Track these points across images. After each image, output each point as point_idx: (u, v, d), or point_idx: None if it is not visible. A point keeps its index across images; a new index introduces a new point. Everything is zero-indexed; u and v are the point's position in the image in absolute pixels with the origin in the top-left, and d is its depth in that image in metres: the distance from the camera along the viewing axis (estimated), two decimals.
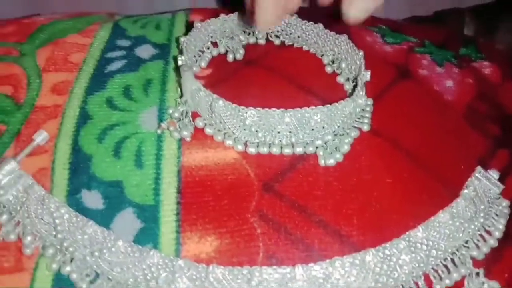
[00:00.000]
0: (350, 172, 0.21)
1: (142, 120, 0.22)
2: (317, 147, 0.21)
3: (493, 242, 0.20)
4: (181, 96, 0.23)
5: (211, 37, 0.26)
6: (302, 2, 0.23)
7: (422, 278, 0.18)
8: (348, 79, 0.25)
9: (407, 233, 0.19)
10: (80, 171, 0.20)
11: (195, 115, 0.22)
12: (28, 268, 0.18)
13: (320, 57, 0.26)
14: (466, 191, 0.21)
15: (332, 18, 0.23)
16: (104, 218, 0.19)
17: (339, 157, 0.21)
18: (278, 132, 0.21)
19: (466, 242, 0.19)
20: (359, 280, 0.17)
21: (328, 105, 0.21)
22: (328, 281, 0.17)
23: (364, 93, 0.22)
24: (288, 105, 0.21)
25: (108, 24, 0.29)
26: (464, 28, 0.37)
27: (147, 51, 0.26)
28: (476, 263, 0.19)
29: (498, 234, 0.20)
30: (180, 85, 0.23)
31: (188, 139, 0.21)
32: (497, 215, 0.21)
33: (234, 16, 0.27)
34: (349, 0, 0.21)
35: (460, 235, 0.19)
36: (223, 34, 0.26)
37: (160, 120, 0.22)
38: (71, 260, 0.18)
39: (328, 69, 0.25)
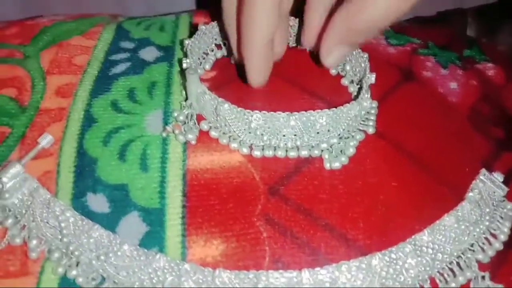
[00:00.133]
0: (356, 175, 0.21)
1: (147, 123, 0.22)
2: (322, 150, 0.21)
3: (498, 245, 0.20)
4: (186, 99, 0.23)
5: (215, 39, 0.26)
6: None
7: (428, 281, 0.18)
8: (352, 82, 0.25)
9: (413, 236, 0.19)
10: (85, 174, 0.20)
11: (200, 118, 0.22)
12: (33, 272, 0.18)
13: None
14: (471, 194, 0.21)
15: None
16: (109, 222, 0.19)
17: (344, 160, 0.21)
18: (284, 135, 0.21)
19: (472, 245, 0.19)
20: (366, 284, 0.17)
21: (334, 109, 0.21)
22: (334, 285, 0.17)
23: (369, 96, 0.22)
24: (293, 108, 0.21)
25: (111, 26, 0.29)
26: (467, 29, 0.37)
27: (152, 54, 0.26)
28: (481, 266, 0.19)
29: (503, 237, 0.20)
30: (185, 88, 0.23)
31: (193, 142, 0.21)
32: (502, 218, 0.21)
33: None
34: (326, 52, 0.22)
35: (466, 238, 0.19)
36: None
37: (165, 123, 0.22)
38: (77, 264, 0.18)
39: (333, 72, 0.25)
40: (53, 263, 0.19)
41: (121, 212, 0.19)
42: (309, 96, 0.24)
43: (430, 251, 0.18)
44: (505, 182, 0.22)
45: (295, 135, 0.21)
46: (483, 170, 0.22)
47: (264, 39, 0.21)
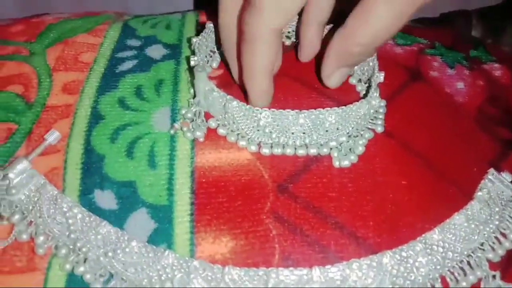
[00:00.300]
0: (365, 173, 0.20)
1: (155, 120, 0.22)
2: (331, 149, 0.21)
3: (508, 245, 0.19)
4: (194, 96, 0.23)
5: None
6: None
7: (439, 280, 0.18)
8: (360, 81, 0.25)
9: (423, 235, 0.18)
10: (93, 171, 0.20)
11: (207, 115, 0.22)
12: (41, 268, 0.18)
13: None
14: (480, 193, 0.21)
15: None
16: (117, 219, 0.19)
17: (353, 158, 0.21)
18: (292, 133, 0.21)
19: (482, 244, 0.19)
20: (376, 282, 0.17)
21: (343, 107, 0.21)
22: (345, 283, 0.17)
23: (378, 94, 0.22)
24: (301, 107, 0.21)
25: (117, 24, 0.29)
26: (471, 30, 0.37)
27: (158, 51, 0.26)
28: (492, 265, 0.19)
29: None
30: (193, 86, 0.23)
31: (201, 139, 0.21)
32: (511, 217, 0.21)
33: None
34: (327, 76, 0.22)
35: (476, 237, 0.19)
36: None
37: (173, 120, 0.22)
38: (85, 260, 0.18)
39: None
40: (61, 260, 0.18)
41: (129, 209, 0.19)
42: (317, 95, 0.24)
43: (441, 249, 0.18)
44: None
45: (303, 133, 0.21)
46: (492, 170, 0.22)
47: (266, 69, 0.21)
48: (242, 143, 0.21)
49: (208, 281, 0.17)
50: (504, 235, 0.20)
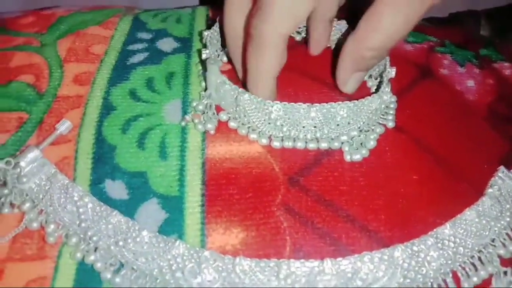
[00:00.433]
0: (376, 168, 0.20)
1: (166, 112, 0.22)
2: (342, 143, 0.21)
3: None
4: (205, 89, 0.23)
5: None
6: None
7: (450, 275, 0.18)
8: (370, 76, 0.24)
9: (434, 230, 0.18)
10: (104, 161, 0.20)
11: (218, 108, 0.22)
12: (51, 256, 0.18)
13: None
14: (490, 190, 0.21)
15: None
16: (128, 209, 0.19)
17: (365, 152, 0.21)
18: (303, 127, 0.21)
19: (493, 240, 0.19)
20: (388, 276, 0.17)
21: (355, 101, 0.21)
22: (356, 275, 0.17)
23: (389, 90, 0.22)
24: (312, 101, 0.21)
25: (128, 17, 0.29)
26: (480, 30, 0.37)
27: (169, 44, 0.26)
28: (503, 262, 0.19)
29: None
30: (204, 78, 0.23)
31: (212, 132, 0.21)
32: None
33: None
34: (343, 82, 0.23)
35: (487, 233, 0.19)
36: None
37: (184, 112, 0.22)
38: (95, 249, 0.18)
39: None
40: (71, 248, 0.18)
41: (140, 199, 0.19)
42: (328, 90, 0.24)
43: (452, 244, 0.18)
44: None
45: (315, 126, 0.21)
46: (502, 168, 0.22)
47: (272, 73, 0.21)
48: (253, 136, 0.21)
49: (219, 271, 0.17)
50: None
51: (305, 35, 0.27)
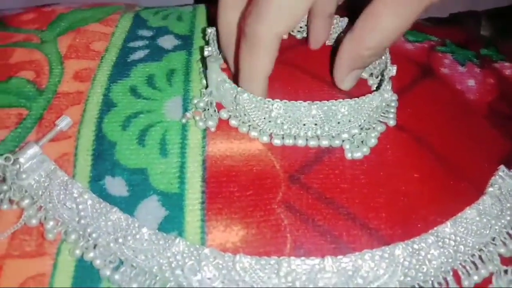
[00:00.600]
0: (377, 166, 0.20)
1: (167, 109, 0.22)
2: (343, 141, 0.21)
3: None
4: (206, 87, 0.23)
5: None
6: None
7: (451, 273, 0.18)
8: (371, 75, 0.24)
9: (435, 228, 0.18)
10: (104, 157, 0.20)
11: (219, 106, 0.22)
12: (50, 253, 0.18)
13: None
14: (491, 189, 0.21)
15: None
16: (128, 205, 0.19)
17: (366, 150, 0.20)
18: (304, 125, 0.21)
19: (493, 239, 0.19)
20: (388, 273, 0.17)
21: (356, 98, 0.21)
22: (357, 273, 0.17)
23: (390, 88, 0.22)
24: (312, 99, 0.21)
25: (128, 14, 0.29)
26: (480, 30, 0.37)
27: (170, 42, 0.26)
28: (503, 260, 0.19)
29: None
30: (205, 76, 0.23)
31: (213, 129, 0.21)
32: None
33: None
34: (340, 79, 0.23)
35: (487, 232, 0.19)
36: None
37: (185, 109, 0.22)
38: (94, 246, 0.18)
39: None
40: (70, 245, 0.18)
41: (140, 196, 0.19)
42: (329, 88, 0.24)
43: (452, 243, 0.18)
44: None
45: (315, 124, 0.21)
46: (502, 167, 0.22)
47: (265, 73, 0.21)
48: (254, 134, 0.21)
49: (219, 269, 0.17)
50: None
51: (306, 35, 0.27)
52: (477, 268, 0.18)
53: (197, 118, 0.21)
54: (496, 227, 0.19)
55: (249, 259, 0.17)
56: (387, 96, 0.22)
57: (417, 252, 0.18)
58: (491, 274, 0.18)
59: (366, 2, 0.20)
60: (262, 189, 0.19)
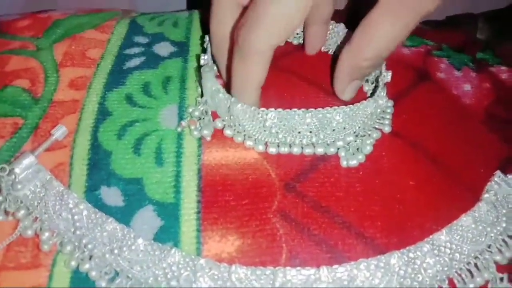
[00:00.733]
0: (372, 173, 0.20)
1: (162, 117, 0.22)
2: (338, 148, 0.21)
3: None
4: (202, 95, 0.23)
5: None
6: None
7: (446, 281, 0.18)
8: (367, 81, 0.24)
9: (431, 236, 0.18)
10: (100, 167, 0.20)
11: (215, 115, 0.22)
12: (45, 264, 0.18)
13: None
14: (487, 195, 0.21)
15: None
16: (123, 216, 0.19)
17: (361, 158, 0.20)
18: (299, 132, 0.21)
19: (489, 246, 0.19)
20: (384, 283, 0.17)
21: (350, 106, 0.21)
22: (353, 283, 0.17)
23: (385, 94, 0.22)
24: (308, 106, 0.21)
25: (124, 20, 0.29)
26: (477, 33, 0.37)
27: (166, 49, 0.26)
28: (499, 268, 0.19)
29: None
30: (200, 84, 0.23)
31: (208, 138, 0.21)
32: None
33: None
34: (341, 91, 0.23)
35: (483, 239, 0.19)
36: None
37: (180, 118, 0.22)
38: (90, 257, 0.18)
39: None
40: (66, 256, 0.18)
41: (136, 206, 0.19)
42: (325, 95, 0.24)
43: (448, 251, 0.18)
44: None
45: (310, 132, 0.21)
46: (498, 172, 0.22)
47: (258, 84, 0.21)
48: (249, 143, 0.21)
49: (215, 279, 0.17)
50: (511, 237, 0.20)
51: (302, 41, 0.27)
52: (472, 276, 0.18)
53: (192, 127, 0.21)
54: (492, 234, 0.19)
55: (244, 269, 0.17)
56: (382, 102, 0.22)
57: (412, 260, 0.18)
58: (487, 282, 0.18)
59: (366, 7, 0.20)
60: (258, 198, 0.19)
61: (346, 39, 0.25)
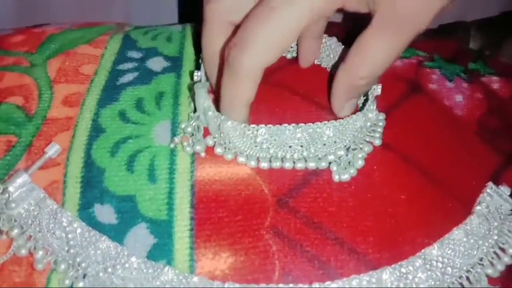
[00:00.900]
0: (364, 188, 0.20)
1: (155, 133, 0.22)
2: (330, 163, 0.21)
3: (507, 260, 0.19)
4: (195, 110, 0.23)
5: None
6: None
7: None
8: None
9: (422, 250, 0.18)
10: (93, 185, 0.20)
11: (207, 131, 0.22)
12: (40, 283, 0.18)
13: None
14: (478, 207, 0.21)
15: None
16: (117, 233, 0.19)
17: (353, 172, 0.21)
18: (290, 147, 0.21)
19: (481, 259, 0.19)
20: None
21: (340, 120, 0.21)
22: None
23: (375, 107, 0.22)
24: (300, 120, 0.21)
25: (118, 35, 0.29)
26: (470, 41, 0.37)
27: (159, 64, 0.26)
28: (491, 281, 0.19)
29: None
30: (193, 100, 0.23)
31: (202, 154, 0.21)
32: (510, 231, 0.21)
33: None
34: (338, 109, 0.23)
35: (475, 252, 0.19)
36: None
37: (173, 134, 0.22)
38: (84, 276, 0.18)
39: None
40: (60, 275, 0.18)
41: (129, 223, 0.19)
42: (317, 109, 0.24)
43: (440, 265, 0.18)
44: None
45: (301, 146, 0.21)
46: (490, 184, 0.22)
47: (247, 102, 0.21)
48: (241, 159, 0.21)
49: None
50: (503, 250, 0.20)
51: (295, 54, 0.27)
52: None
53: (185, 143, 0.21)
54: (484, 247, 0.20)
55: (237, 287, 0.17)
56: (371, 116, 0.22)
57: (404, 276, 0.18)
58: None
59: (364, 19, 0.21)
60: (251, 214, 0.20)
61: (341, 56, 0.25)
